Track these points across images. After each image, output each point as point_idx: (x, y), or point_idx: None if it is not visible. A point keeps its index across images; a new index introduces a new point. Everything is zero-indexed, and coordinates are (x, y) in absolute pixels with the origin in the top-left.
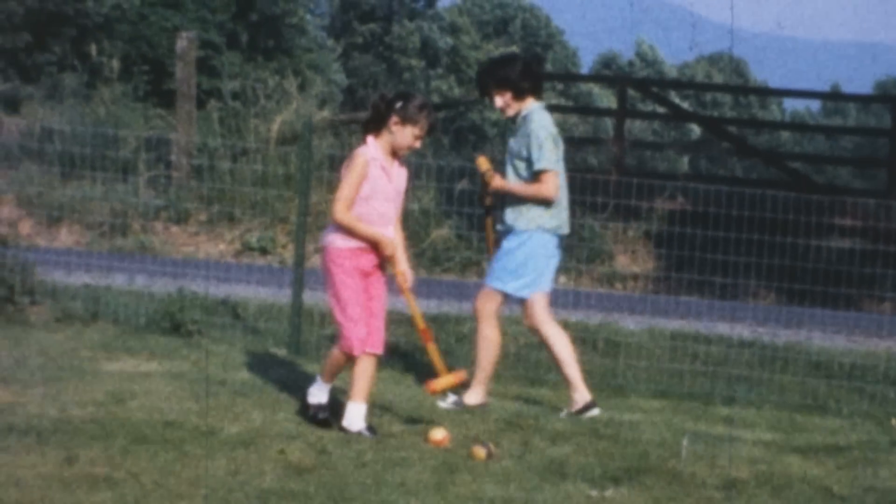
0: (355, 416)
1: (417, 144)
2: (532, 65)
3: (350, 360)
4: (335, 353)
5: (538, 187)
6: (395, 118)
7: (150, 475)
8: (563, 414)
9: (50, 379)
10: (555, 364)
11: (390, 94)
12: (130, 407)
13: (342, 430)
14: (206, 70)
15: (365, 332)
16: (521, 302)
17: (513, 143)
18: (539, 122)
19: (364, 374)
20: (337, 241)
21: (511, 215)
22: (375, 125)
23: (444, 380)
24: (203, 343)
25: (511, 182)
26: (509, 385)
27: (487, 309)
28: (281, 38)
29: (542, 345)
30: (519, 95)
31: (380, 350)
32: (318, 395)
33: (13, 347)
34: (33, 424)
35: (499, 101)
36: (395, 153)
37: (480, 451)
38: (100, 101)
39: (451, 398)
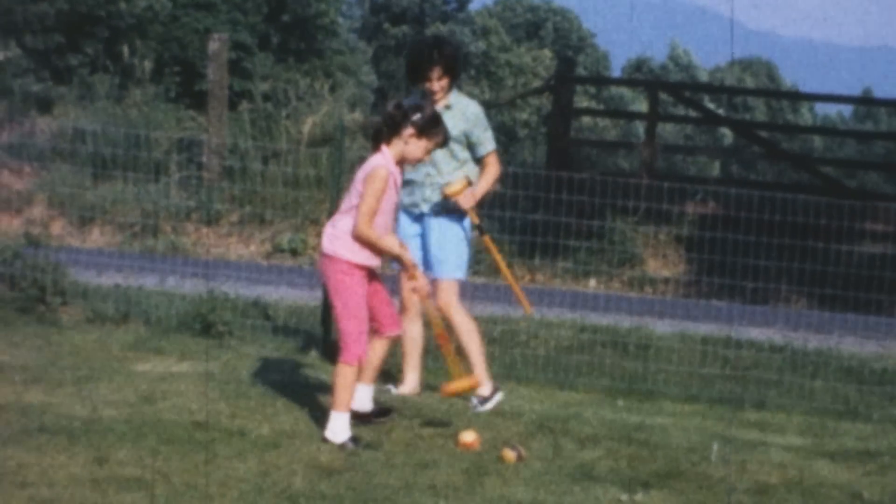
0: (363, 398)
1: (427, 158)
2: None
3: (359, 371)
4: (345, 372)
5: (495, 170)
6: (410, 129)
7: (180, 476)
8: (477, 408)
9: (81, 379)
10: (462, 351)
11: (406, 103)
12: (161, 407)
13: (324, 440)
14: (237, 72)
15: (366, 343)
16: (435, 283)
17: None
18: (478, 107)
19: (379, 355)
20: (348, 253)
21: (445, 201)
22: (389, 134)
23: (458, 384)
24: (233, 344)
25: (457, 175)
26: (540, 388)
27: (454, 301)
28: (312, 40)
29: (569, 348)
30: (454, 83)
31: (399, 330)
32: (343, 431)
33: (45, 348)
34: (64, 425)
35: (437, 84)
36: (400, 163)
37: (510, 454)
38: (132, 102)
39: (474, 401)
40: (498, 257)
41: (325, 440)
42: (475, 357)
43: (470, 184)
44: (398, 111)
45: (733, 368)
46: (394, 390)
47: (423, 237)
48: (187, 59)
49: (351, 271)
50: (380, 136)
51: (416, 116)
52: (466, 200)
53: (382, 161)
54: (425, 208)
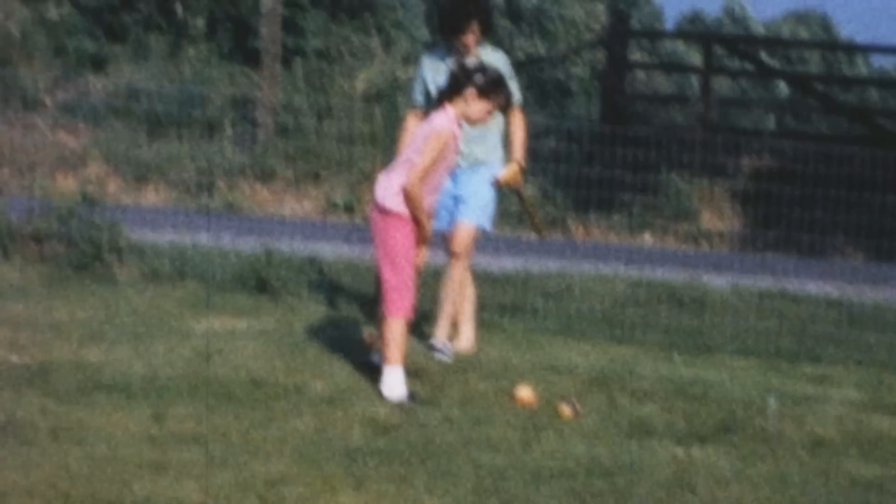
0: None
1: (489, 119)
2: None
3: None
4: (394, 326)
5: (524, 123)
6: (473, 90)
7: (237, 433)
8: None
9: (137, 337)
10: (445, 300)
11: (470, 63)
12: (217, 364)
13: (382, 396)
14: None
15: (412, 298)
16: (456, 225)
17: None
18: (505, 57)
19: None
20: (399, 205)
21: (481, 149)
22: (451, 93)
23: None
24: (289, 301)
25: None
26: (595, 343)
27: (467, 250)
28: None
29: (624, 303)
30: (485, 37)
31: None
32: (398, 387)
33: (101, 305)
34: (121, 382)
35: (471, 38)
36: (466, 122)
37: (566, 409)
38: (185, 59)
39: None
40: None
41: (382, 396)
42: (446, 308)
43: (521, 167)
44: (461, 71)
45: (789, 322)
46: (447, 349)
47: (455, 190)
48: (241, 16)
49: (400, 224)
50: (442, 95)
51: (478, 77)
52: (517, 180)
53: (446, 121)
54: (462, 163)
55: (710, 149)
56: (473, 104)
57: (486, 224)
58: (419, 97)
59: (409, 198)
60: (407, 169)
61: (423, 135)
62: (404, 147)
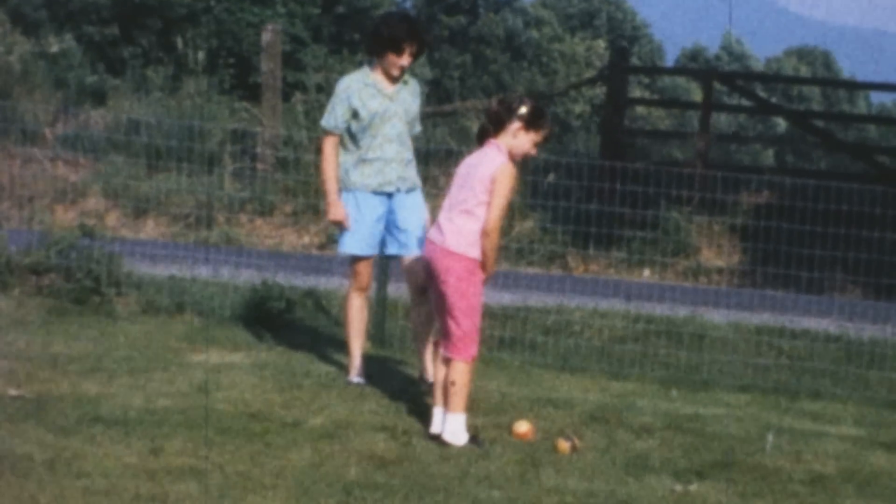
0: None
1: (534, 151)
2: None
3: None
4: (458, 367)
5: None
6: (518, 124)
7: (234, 466)
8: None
9: (136, 370)
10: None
11: (509, 98)
12: (215, 398)
13: (443, 443)
14: (291, 63)
15: None
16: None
17: (401, 104)
18: (419, 87)
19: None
20: (474, 251)
21: (413, 173)
22: (496, 130)
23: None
24: (287, 335)
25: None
26: (593, 378)
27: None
28: (365, 30)
29: (623, 338)
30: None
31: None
32: (461, 432)
33: (99, 338)
34: (119, 415)
35: (406, 60)
36: (516, 158)
37: (564, 444)
38: (185, 93)
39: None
40: None
41: (444, 443)
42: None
43: None
44: (502, 107)
45: (788, 358)
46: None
47: (390, 216)
48: (241, 51)
49: (476, 270)
50: (486, 133)
51: (523, 110)
52: None
53: (503, 157)
54: (402, 186)
55: (710, 185)
56: (520, 137)
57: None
58: (341, 123)
59: (491, 241)
60: (476, 216)
61: (481, 176)
62: (331, 178)
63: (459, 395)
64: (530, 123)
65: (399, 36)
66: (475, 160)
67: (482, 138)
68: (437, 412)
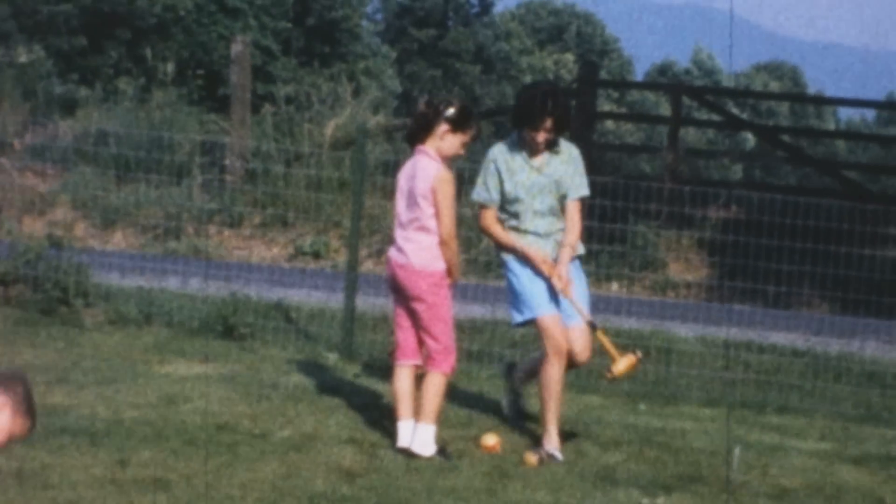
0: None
1: (463, 152)
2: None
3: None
4: (438, 382)
5: (579, 213)
6: (445, 126)
7: (202, 478)
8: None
9: (103, 381)
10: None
11: (436, 99)
12: (183, 410)
13: (410, 455)
14: (260, 76)
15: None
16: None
17: (550, 175)
18: (577, 153)
19: (417, 389)
20: (439, 263)
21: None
22: (423, 133)
23: (622, 363)
24: (255, 347)
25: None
26: (562, 392)
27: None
28: (336, 43)
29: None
30: (561, 134)
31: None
32: (430, 444)
33: (67, 349)
34: (87, 426)
35: (544, 136)
36: (447, 160)
37: (532, 458)
38: (155, 104)
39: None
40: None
41: (411, 454)
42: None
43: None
44: (430, 108)
45: (755, 373)
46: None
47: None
48: (211, 63)
49: (443, 280)
50: (414, 136)
51: (450, 112)
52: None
53: (437, 164)
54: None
55: (678, 199)
56: (447, 139)
57: (515, 317)
58: (495, 195)
59: (450, 249)
60: (428, 229)
61: (422, 190)
62: (514, 240)
63: (433, 406)
64: (458, 125)
65: (534, 110)
66: (410, 171)
67: (412, 142)
68: (403, 426)
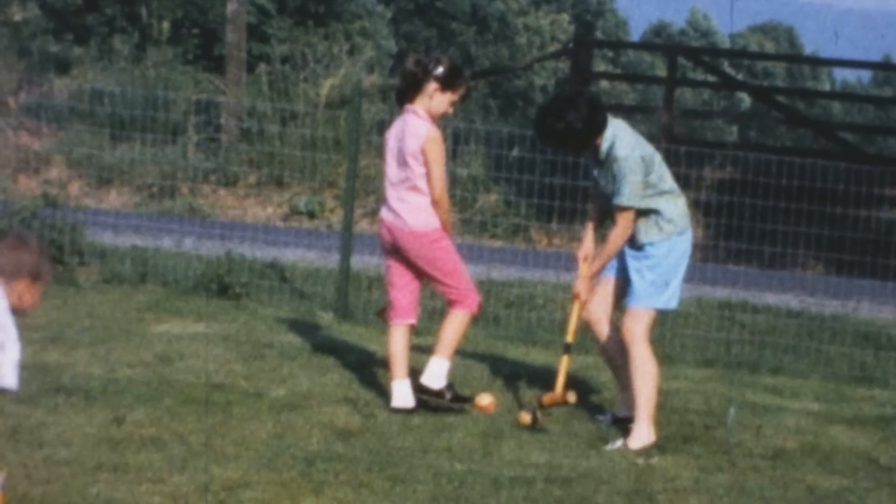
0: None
1: (451, 111)
2: (595, 100)
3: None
4: (461, 317)
5: (623, 224)
6: (434, 84)
7: (196, 436)
8: (616, 444)
9: (98, 340)
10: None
11: (425, 58)
12: (178, 368)
13: (421, 389)
14: (256, 35)
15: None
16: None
17: (599, 174)
18: (623, 144)
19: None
20: (433, 221)
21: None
22: (413, 92)
23: (552, 395)
24: (250, 306)
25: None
26: (556, 352)
27: (638, 331)
28: (331, 3)
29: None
30: (590, 144)
31: (414, 319)
32: (443, 376)
33: (62, 308)
34: (81, 385)
35: (575, 153)
36: (436, 118)
37: (526, 417)
38: (150, 63)
39: (618, 443)
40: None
41: (421, 389)
42: (641, 401)
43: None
44: (418, 67)
45: (750, 333)
46: (606, 420)
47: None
48: (206, 22)
49: (442, 235)
50: (403, 95)
51: (439, 70)
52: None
53: (426, 124)
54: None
55: (673, 160)
56: (437, 98)
57: (655, 304)
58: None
59: (442, 207)
60: (420, 189)
61: (412, 149)
62: None
63: (451, 341)
64: (447, 83)
65: (546, 142)
66: (399, 131)
67: (401, 101)
68: (397, 386)
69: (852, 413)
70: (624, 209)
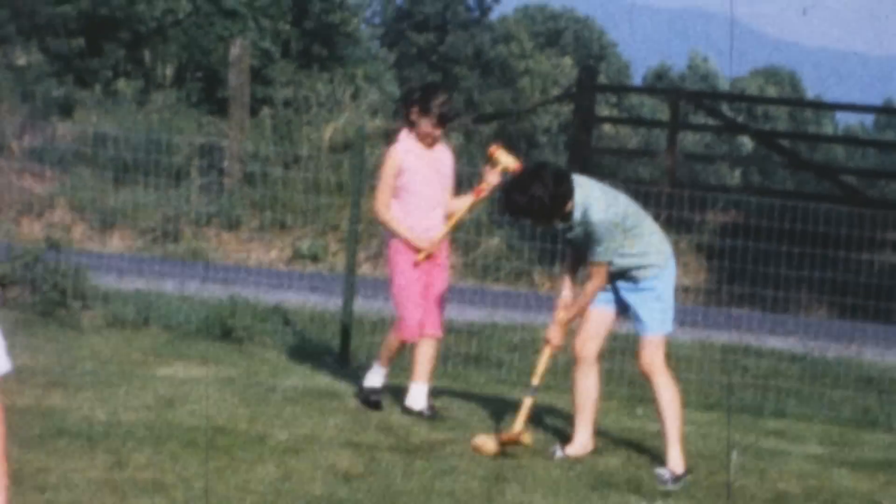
0: (417, 396)
1: (437, 133)
2: (559, 172)
3: (403, 344)
4: (391, 337)
5: (595, 278)
6: (414, 109)
7: (199, 480)
8: (665, 476)
9: (101, 383)
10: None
11: (415, 86)
12: (180, 412)
13: (405, 409)
14: (259, 78)
15: (419, 318)
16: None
17: (572, 235)
18: (596, 209)
19: (425, 356)
20: (394, 236)
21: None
22: (406, 121)
23: (513, 435)
24: (253, 349)
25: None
26: (559, 395)
27: (657, 360)
28: (335, 47)
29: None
30: (559, 215)
31: (439, 334)
32: (373, 378)
33: (65, 351)
34: (84, 428)
35: (548, 225)
36: (427, 140)
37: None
38: (153, 107)
39: (665, 475)
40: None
41: (404, 409)
42: (669, 428)
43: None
44: (407, 95)
45: (753, 377)
46: (559, 453)
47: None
48: (210, 65)
49: (397, 252)
50: (405, 123)
51: (415, 96)
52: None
53: (393, 146)
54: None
55: (676, 203)
56: (420, 121)
57: (665, 328)
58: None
59: (380, 220)
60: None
61: None
62: None
63: (384, 351)
64: (423, 105)
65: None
66: None
67: (406, 127)
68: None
69: (856, 457)
70: (597, 265)
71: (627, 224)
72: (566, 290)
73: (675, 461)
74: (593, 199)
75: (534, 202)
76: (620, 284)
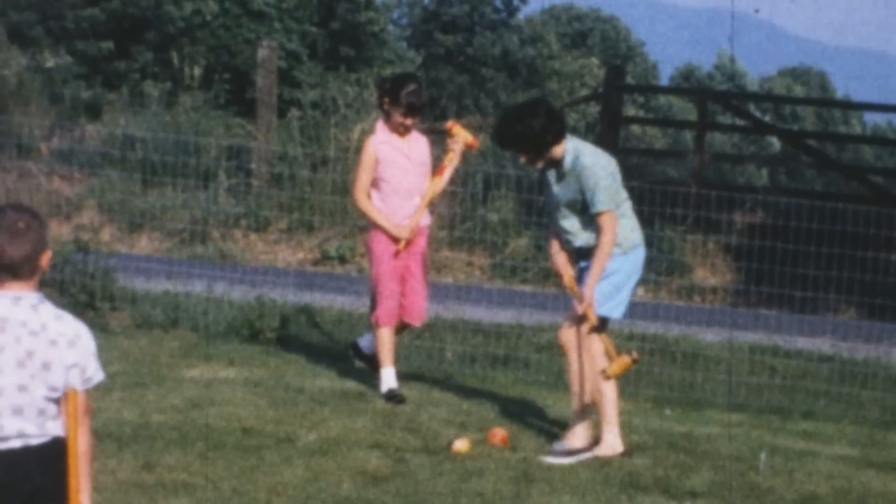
0: (388, 379)
1: (408, 122)
2: (554, 110)
3: (390, 333)
4: (375, 333)
5: (607, 227)
6: (386, 100)
7: (227, 481)
8: (558, 448)
9: (129, 385)
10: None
11: (386, 77)
12: (209, 413)
13: (387, 397)
14: (286, 80)
15: (395, 305)
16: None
17: (559, 189)
18: (588, 153)
19: (395, 342)
20: (373, 225)
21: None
22: (381, 109)
23: (617, 364)
24: (281, 351)
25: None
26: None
27: (585, 341)
28: (362, 48)
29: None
30: (545, 153)
31: (418, 322)
32: (387, 382)
33: None
34: (113, 430)
35: (527, 160)
36: (400, 129)
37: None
38: (181, 108)
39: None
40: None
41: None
42: (575, 403)
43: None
44: (379, 87)
45: (782, 378)
46: (558, 448)
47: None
48: (237, 67)
49: (374, 239)
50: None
51: (386, 87)
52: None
53: (369, 138)
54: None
55: (704, 204)
56: (390, 112)
57: (601, 310)
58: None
59: (356, 207)
60: (373, 189)
61: None
62: None
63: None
64: (391, 99)
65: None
66: None
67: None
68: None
69: (885, 458)
70: (604, 213)
71: (613, 189)
72: (558, 255)
73: (575, 436)
74: (584, 148)
75: (526, 131)
76: (583, 265)
